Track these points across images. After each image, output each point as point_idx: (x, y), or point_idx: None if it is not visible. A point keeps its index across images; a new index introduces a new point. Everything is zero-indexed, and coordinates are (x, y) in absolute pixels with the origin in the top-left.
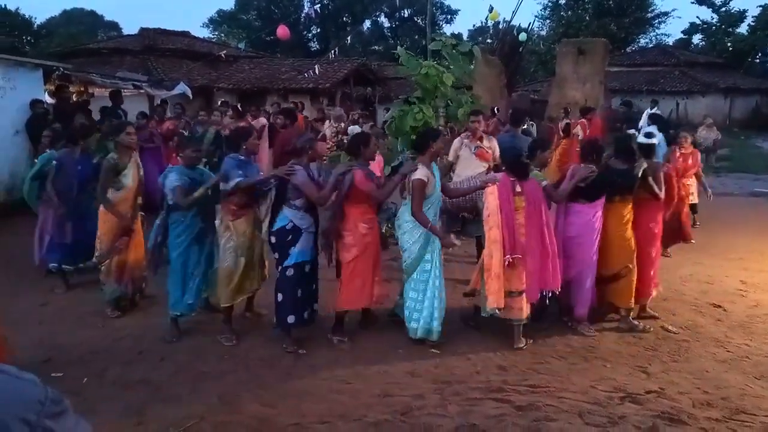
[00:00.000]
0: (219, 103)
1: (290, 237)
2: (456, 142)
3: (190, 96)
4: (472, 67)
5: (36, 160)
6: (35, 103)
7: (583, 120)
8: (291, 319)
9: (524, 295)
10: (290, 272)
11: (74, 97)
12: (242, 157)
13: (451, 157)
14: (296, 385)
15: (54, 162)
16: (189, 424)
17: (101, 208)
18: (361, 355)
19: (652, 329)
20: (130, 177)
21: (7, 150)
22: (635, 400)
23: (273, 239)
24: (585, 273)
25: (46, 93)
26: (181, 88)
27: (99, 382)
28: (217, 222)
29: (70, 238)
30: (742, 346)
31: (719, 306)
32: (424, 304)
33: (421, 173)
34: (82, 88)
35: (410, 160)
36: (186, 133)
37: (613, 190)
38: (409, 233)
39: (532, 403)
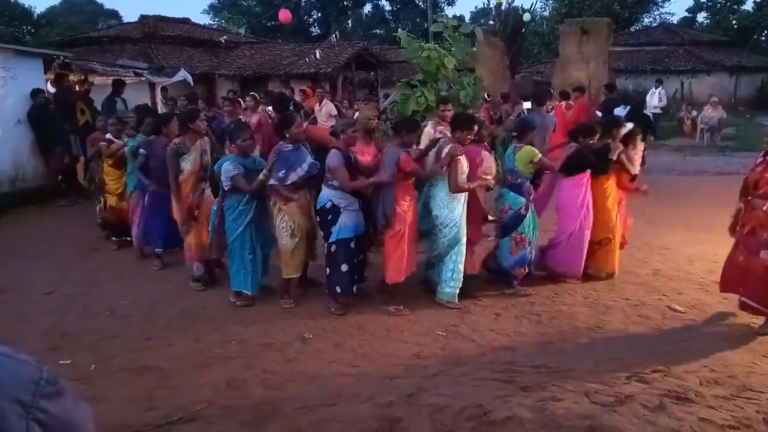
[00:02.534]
0: (227, 92)
1: (330, 216)
2: (428, 129)
3: (192, 83)
4: (474, 48)
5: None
6: (36, 93)
7: (560, 103)
8: (338, 289)
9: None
10: (333, 248)
11: (76, 87)
12: (289, 146)
13: (423, 145)
14: (302, 368)
15: (142, 150)
16: (197, 409)
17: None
18: (367, 339)
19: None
20: (189, 162)
21: (9, 140)
22: (642, 379)
23: (318, 218)
24: (572, 239)
25: (48, 82)
26: (182, 74)
27: (107, 368)
28: (270, 204)
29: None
30: (749, 325)
31: None
32: (455, 268)
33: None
34: (83, 77)
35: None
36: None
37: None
38: (447, 209)
39: (538, 384)
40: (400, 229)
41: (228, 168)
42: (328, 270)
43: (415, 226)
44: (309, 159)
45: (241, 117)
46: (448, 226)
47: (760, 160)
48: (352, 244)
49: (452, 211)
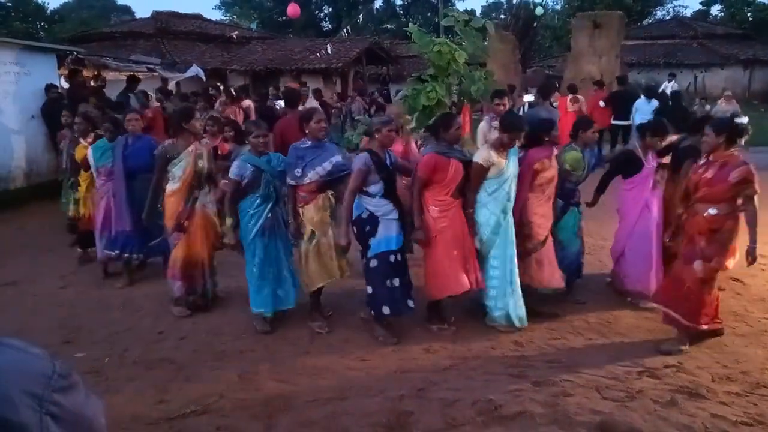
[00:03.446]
0: (209, 89)
1: (368, 227)
2: (483, 126)
3: (204, 78)
4: (486, 43)
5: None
6: (50, 88)
7: (564, 97)
8: (386, 310)
9: None
10: (374, 263)
11: (91, 82)
12: (309, 143)
13: (480, 143)
14: (314, 362)
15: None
16: (209, 402)
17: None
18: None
19: None
20: (180, 168)
21: (24, 135)
22: (653, 375)
23: (354, 230)
24: (636, 250)
25: (61, 78)
26: (194, 70)
27: (120, 361)
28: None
29: (129, 226)
30: (761, 320)
31: (738, 280)
32: (502, 289)
33: (480, 157)
34: (96, 73)
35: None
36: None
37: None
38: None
39: (549, 379)
40: (430, 238)
41: (233, 169)
42: (370, 289)
43: (464, 239)
44: (335, 159)
45: (213, 112)
46: (479, 232)
47: (702, 161)
48: (392, 258)
49: (479, 215)
